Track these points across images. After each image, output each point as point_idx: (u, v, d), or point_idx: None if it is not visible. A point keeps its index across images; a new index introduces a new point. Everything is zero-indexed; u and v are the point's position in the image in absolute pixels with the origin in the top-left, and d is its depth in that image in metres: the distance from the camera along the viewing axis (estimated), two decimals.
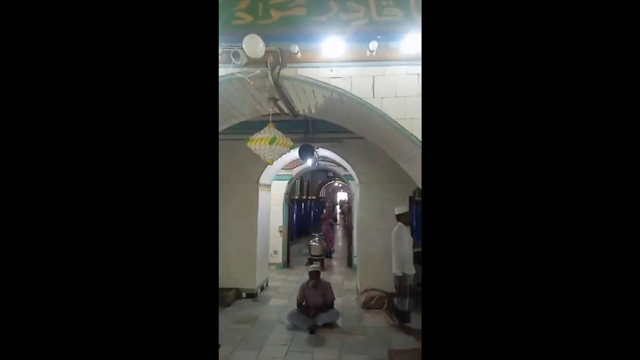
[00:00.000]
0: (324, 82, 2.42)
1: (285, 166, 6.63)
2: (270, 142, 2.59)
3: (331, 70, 2.41)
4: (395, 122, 2.39)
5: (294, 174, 7.28)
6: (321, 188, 14.33)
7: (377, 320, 4.24)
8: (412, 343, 3.49)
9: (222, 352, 3.12)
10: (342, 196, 19.15)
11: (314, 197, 13.02)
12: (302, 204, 11.51)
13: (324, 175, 11.94)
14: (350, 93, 2.41)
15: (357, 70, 2.41)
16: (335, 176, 10.02)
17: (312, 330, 3.83)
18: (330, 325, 3.99)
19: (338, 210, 15.77)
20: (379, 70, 2.40)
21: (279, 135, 2.66)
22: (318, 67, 2.42)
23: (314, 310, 4.02)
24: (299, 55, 2.38)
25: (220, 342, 3.03)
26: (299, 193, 10.71)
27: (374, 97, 2.41)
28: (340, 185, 15.19)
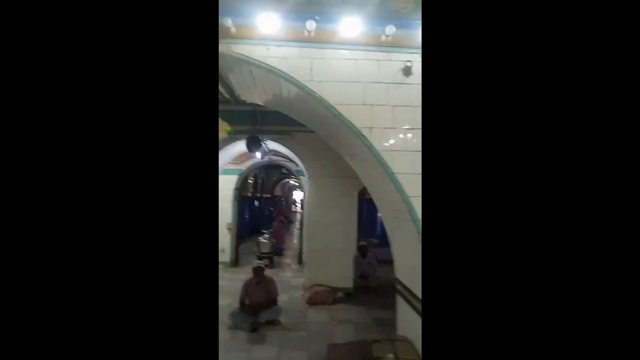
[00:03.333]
0: (259, 61, 2.28)
1: (233, 160, 6.35)
2: None
3: (268, 49, 2.28)
4: (333, 107, 2.32)
5: (244, 169, 7.00)
6: (276, 185, 14.04)
7: (321, 315, 4.18)
8: (352, 336, 3.47)
9: None
10: (298, 195, 19.03)
11: (268, 195, 12.71)
12: (256, 202, 11.17)
13: (278, 172, 11.70)
14: (288, 75, 2.30)
15: (295, 50, 2.30)
16: (289, 172, 9.87)
17: (253, 329, 3.65)
18: (273, 323, 3.85)
19: (299, 208, 15.57)
20: (317, 53, 2.32)
21: None
22: (254, 44, 2.27)
23: (257, 307, 3.85)
24: (233, 30, 2.21)
25: None
26: (252, 190, 10.37)
27: (312, 80, 2.31)
28: (297, 183, 15.05)
